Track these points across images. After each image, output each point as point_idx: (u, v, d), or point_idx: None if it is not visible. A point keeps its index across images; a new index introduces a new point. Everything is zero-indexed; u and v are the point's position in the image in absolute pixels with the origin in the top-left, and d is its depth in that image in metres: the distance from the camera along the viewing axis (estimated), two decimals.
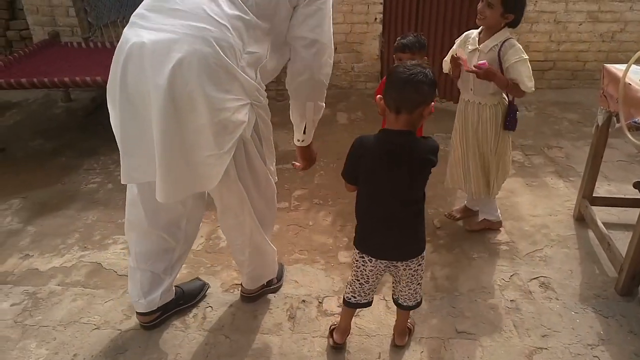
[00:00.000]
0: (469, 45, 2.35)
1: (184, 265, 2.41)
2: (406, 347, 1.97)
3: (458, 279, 2.34)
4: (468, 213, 2.77)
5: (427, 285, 2.29)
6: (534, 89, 2.24)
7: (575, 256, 2.47)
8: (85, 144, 3.74)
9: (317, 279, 2.35)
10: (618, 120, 2.17)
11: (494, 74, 2.20)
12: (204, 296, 2.24)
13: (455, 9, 4.07)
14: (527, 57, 2.22)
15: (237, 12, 1.53)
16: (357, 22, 4.54)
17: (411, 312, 1.97)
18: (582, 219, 2.70)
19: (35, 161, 3.55)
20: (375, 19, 4.52)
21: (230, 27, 1.50)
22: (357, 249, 1.77)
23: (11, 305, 2.22)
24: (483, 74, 2.19)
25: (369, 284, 1.81)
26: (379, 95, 1.60)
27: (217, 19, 1.48)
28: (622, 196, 2.79)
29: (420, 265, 1.76)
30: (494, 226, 2.66)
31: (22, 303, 2.23)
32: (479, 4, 2.22)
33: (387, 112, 1.58)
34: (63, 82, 3.35)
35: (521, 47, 2.23)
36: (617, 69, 2.28)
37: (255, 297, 2.22)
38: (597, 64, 4.57)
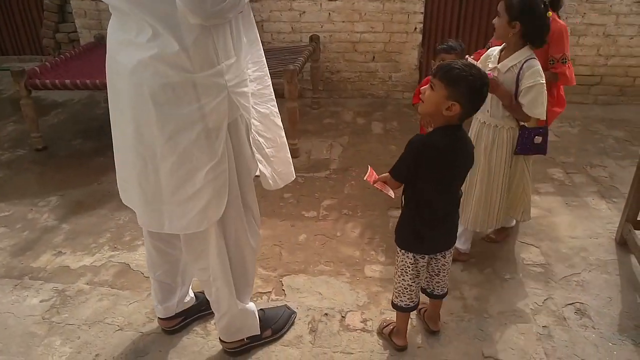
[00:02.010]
0: (489, 63, 2.21)
1: None
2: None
3: (488, 300, 2.25)
4: (507, 232, 2.67)
5: (455, 305, 2.22)
6: (543, 117, 2.10)
7: (615, 283, 2.34)
8: None
9: (341, 292, 2.30)
10: None
11: (496, 86, 2.07)
12: None
13: None
14: (543, 81, 2.07)
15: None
16: (396, 32, 4.48)
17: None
18: (624, 244, 2.56)
19: (75, 160, 3.66)
20: (415, 28, 4.46)
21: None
22: (411, 252, 1.83)
23: (40, 302, 2.27)
24: (491, 87, 1.96)
25: (418, 278, 1.89)
26: (453, 104, 1.60)
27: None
28: None
29: (451, 252, 1.91)
30: (461, 257, 2.47)
31: (51, 300, 2.28)
32: None
33: (450, 114, 1.63)
34: (104, 83, 3.42)
35: (540, 70, 2.07)
36: None
37: (234, 352, 1.96)
38: None
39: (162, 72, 1.41)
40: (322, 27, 4.52)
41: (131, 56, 1.43)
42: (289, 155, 1.85)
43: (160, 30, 1.38)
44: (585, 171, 3.36)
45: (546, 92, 2.11)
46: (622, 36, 4.29)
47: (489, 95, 2.12)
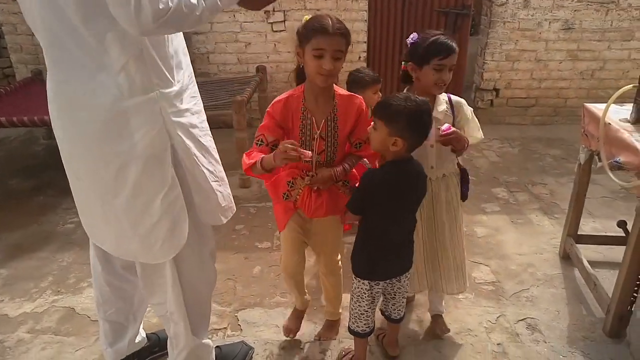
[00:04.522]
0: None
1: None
2: None
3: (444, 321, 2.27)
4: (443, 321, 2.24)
5: (412, 328, 2.23)
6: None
7: (562, 296, 2.43)
8: (65, 182, 3.61)
9: None
10: (600, 159, 2.17)
11: (460, 136, 1.84)
12: None
13: None
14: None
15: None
16: None
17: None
18: (567, 258, 2.67)
19: (12, 200, 3.47)
20: (359, 57, 4.58)
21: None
22: (365, 279, 1.84)
23: None
24: (455, 138, 1.80)
25: (374, 304, 1.90)
26: (396, 139, 1.62)
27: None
28: (607, 234, 2.77)
29: (408, 276, 1.91)
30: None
31: None
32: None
33: (396, 149, 1.64)
34: (42, 120, 3.31)
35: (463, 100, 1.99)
36: (597, 108, 2.29)
37: None
38: (578, 100, 4.64)
39: (100, 105, 1.39)
40: (268, 57, 4.57)
41: (65, 95, 1.42)
42: (230, 191, 1.81)
43: (88, 57, 1.34)
44: (527, 189, 3.51)
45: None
46: (552, 61, 4.57)
47: (432, 149, 1.89)
